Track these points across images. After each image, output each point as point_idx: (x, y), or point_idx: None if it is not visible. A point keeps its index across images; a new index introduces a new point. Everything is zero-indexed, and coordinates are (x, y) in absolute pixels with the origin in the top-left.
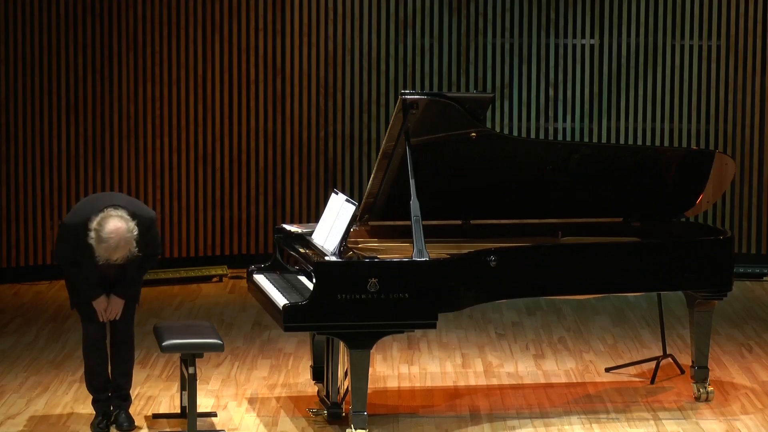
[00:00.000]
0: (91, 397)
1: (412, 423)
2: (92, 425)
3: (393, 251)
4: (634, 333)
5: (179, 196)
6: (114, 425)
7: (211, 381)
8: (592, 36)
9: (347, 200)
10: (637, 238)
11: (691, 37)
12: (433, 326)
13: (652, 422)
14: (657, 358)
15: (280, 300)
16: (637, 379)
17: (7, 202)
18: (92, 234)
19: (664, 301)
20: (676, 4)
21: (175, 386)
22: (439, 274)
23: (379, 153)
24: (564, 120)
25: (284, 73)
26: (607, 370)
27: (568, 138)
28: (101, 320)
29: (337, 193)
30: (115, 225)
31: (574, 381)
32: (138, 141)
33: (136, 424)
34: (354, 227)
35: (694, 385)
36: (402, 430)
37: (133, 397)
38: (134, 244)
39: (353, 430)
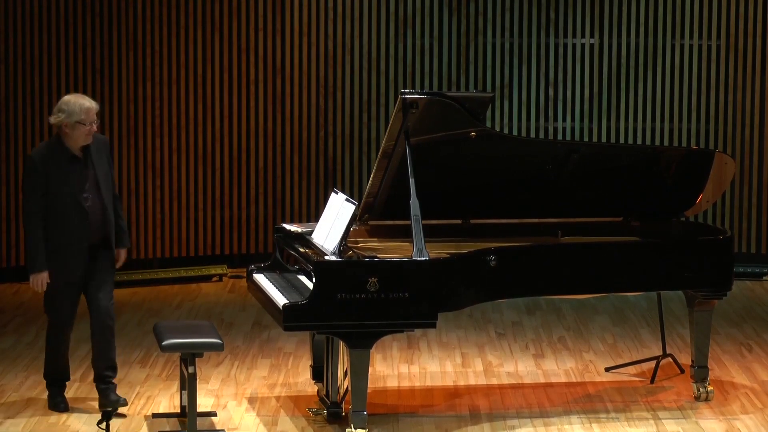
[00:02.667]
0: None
1: (411, 422)
2: (50, 406)
3: (393, 251)
4: (634, 332)
5: (179, 196)
6: (107, 404)
7: (210, 380)
8: (592, 36)
9: (347, 200)
10: (637, 238)
11: (691, 37)
12: (433, 326)
13: (651, 422)
14: (657, 358)
15: (280, 299)
16: (637, 379)
17: (7, 202)
18: (59, 112)
19: (664, 301)
20: (676, 4)
21: (175, 386)
22: (438, 274)
23: (379, 152)
24: (564, 120)
25: (284, 73)
26: (607, 369)
27: (568, 138)
28: (38, 290)
29: (337, 193)
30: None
31: (574, 380)
32: (137, 141)
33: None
34: (354, 227)
35: (694, 384)
36: (402, 429)
37: (132, 397)
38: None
39: (353, 429)
